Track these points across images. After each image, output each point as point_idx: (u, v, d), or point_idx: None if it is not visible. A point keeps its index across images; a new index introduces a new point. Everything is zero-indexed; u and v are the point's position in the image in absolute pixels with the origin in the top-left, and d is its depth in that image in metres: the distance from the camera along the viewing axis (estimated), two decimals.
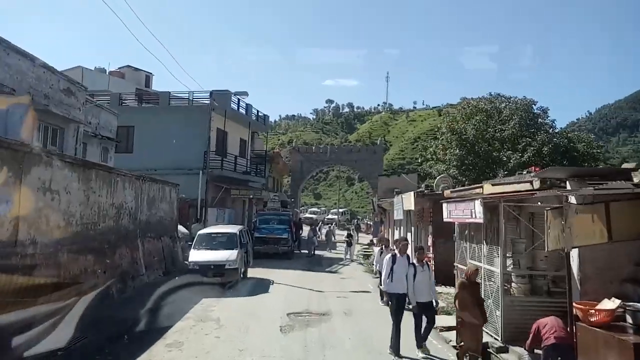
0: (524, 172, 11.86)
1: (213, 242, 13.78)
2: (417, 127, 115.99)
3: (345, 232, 26.51)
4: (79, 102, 13.50)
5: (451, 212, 10.58)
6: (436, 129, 36.86)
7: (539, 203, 7.94)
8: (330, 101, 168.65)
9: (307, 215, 54.64)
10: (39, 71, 11.67)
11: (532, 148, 29.36)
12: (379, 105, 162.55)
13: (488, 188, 9.41)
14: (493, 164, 31.71)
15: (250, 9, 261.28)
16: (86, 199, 9.97)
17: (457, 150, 31.41)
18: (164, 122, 23.88)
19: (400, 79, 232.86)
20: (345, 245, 22.83)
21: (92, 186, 10.32)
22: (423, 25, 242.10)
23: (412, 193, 15.24)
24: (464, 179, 29.85)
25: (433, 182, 33.74)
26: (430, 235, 14.98)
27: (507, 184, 9.07)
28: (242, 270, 14.04)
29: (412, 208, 15.02)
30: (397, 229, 25.30)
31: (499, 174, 30.22)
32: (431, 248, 14.57)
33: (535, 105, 32.46)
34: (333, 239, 26.84)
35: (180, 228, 19.46)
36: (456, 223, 10.59)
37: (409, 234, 20.78)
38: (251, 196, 25.82)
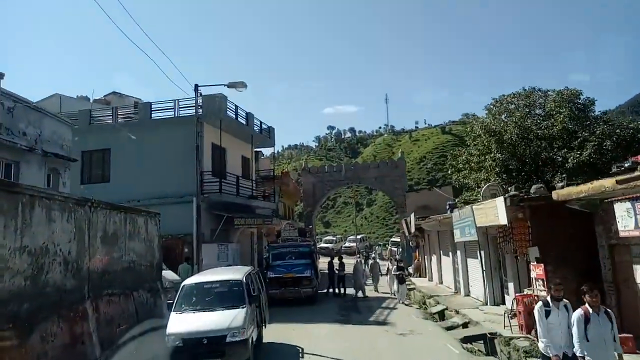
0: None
1: (206, 297, 8.78)
2: (422, 146, 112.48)
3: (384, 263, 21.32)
4: None
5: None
6: (465, 134, 31.94)
7: None
8: (331, 127, 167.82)
9: (323, 245, 49.47)
10: None
11: (591, 143, 24.49)
12: (380, 127, 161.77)
13: None
14: (543, 166, 26.82)
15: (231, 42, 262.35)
16: None
17: (498, 154, 26.51)
18: (147, 140, 19.20)
19: (399, 99, 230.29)
20: (392, 280, 17.63)
21: None
22: (420, 42, 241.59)
23: (500, 199, 10.24)
24: (509, 188, 24.99)
25: (472, 194, 28.84)
26: (534, 263, 9.91)
27: None
28: (255, 337, 8.98)
29: (503, 222, 10.04)
30: (444, 255, 20.18)
31: (555, 177, 25.33)
32: (542, 282, 9.49)
33: (582, 95, 27.67)
34: (380, 273, 21.63)
35: (168, 274, 14.48)
36: None
37: (472, 262, 15.73)
38: (260, 225, 20.81)
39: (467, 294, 16.30)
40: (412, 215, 22.07)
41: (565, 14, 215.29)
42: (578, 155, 24.10)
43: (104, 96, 38.12)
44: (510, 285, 12.00)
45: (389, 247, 46.53)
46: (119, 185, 19.14)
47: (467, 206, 12.59)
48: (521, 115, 27.69)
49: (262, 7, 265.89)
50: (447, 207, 17.29)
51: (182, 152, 18.93)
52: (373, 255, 30.82)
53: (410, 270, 26.11)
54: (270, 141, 24.56)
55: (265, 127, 24.07)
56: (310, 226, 28.98)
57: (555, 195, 9.45)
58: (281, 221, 23.40)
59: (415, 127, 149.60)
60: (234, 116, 20.19)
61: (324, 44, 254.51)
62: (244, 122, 21.37)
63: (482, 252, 13.91)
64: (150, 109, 19.57)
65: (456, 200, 31.07)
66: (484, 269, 13.87)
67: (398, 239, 48.09)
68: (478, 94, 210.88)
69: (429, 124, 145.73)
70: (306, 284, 16.73)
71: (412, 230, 22.50)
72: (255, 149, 25.95)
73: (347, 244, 52.17)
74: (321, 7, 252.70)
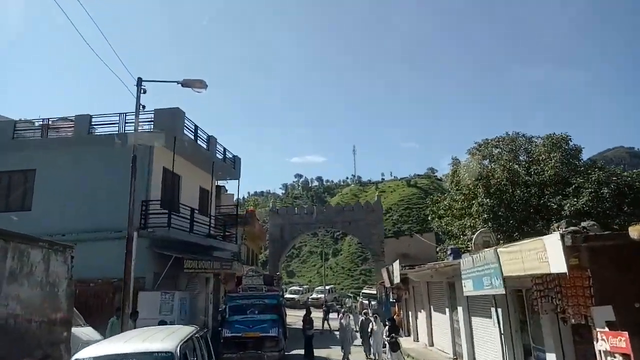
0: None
1: None
2: (388, 197, 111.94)
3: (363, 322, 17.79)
4: None
5: None
6: (445, 179, 29.77)
7: None
8: (299, 175, 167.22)
9: (288, 295, 45.42)
10: None
11: (588, 190, 22.62)
12: (347, 178, 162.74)
13: None
14: (535, 213, 24.67)
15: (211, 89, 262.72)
16: None
17: (486, 199, 24.24)
18: (82, 160, 15.73)
19: (366, 151, 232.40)
20: (384, 346, 14.14)
21: None
22: (390, 97, 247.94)
23: (553, 237, 7.38)
24: (498, 235, 22.58)
25: (457, 242, 26.16)
26: (603, 330, 6.98)
27: None
28: None
29: (558, 269, 7.14)
30: (437, 312, 17.06)
31: (550, 224, 23.10)
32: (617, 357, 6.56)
33: (571, 141, 26.15)
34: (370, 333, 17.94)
35: (83, 333, 10.72)
36: None
37: (480, 322, 12.68)
38: (217, 270, 17.14)
39: None
40: (397, 263, 19.03)
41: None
42: (574, 203, 22.12)
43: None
44: (550, 359, 8.98)
45: (360, 300, 42.94)
46: (43, 215, 15.44)
47: (488, 250, 9.73)
48: (508, 159, 25.88)
49: (231, 51, 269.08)
50: (449, 252, 14.37)
51: (125, 177, 15.54)
52: (358, 309, 27.31)
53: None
54: (235, 172, 21.33)
55: (230, 155, 20.93)
56: (278, 273, 25.32)
57: (635, 232, 6.72)
58: (243, 266, 19.79)
59: (382, 178, 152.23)
60: (193, 137, 17.03)
61: (295, 94, 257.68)
62: (205, 147, 18.19)
63: (500, 310, 10.94)
64: (90, 123, 16.17)
65: (438, 249, 28.36)
66: (502, 332, 10.85)
67: (371, 291, 44.63)
68: (445, 149, 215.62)
69: (394, 176, 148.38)
70: (271, 346, 13.16)
71: (396, 280, 19.38)
72: (218, 182, 22.67)
73: (314, 295, 48.18)
74: (292, 54, 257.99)
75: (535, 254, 7.73)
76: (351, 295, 53.00)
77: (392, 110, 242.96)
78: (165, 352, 5.26)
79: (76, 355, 5.29)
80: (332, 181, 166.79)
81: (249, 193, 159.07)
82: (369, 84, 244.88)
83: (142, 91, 11.06)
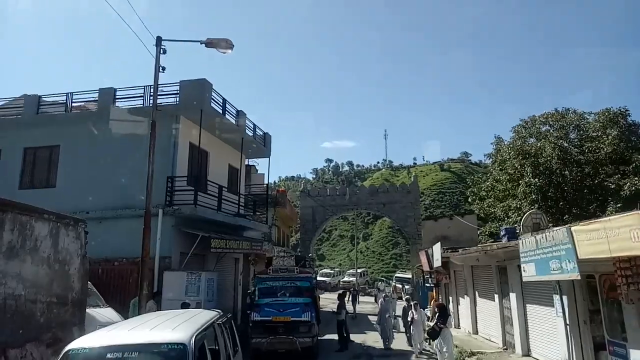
0: None
1: None
2: (420, 181, 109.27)
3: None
4: None
5: None
6: (491, 157, 27.89)
7: None
8: (329, 160, 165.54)
9: (319, 278, 44.79)
10: None
11: None
12: (378, 162, 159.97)
13: None
14: (589, 194, 22.69)
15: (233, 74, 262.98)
16: None
17: (535, 179, 22.40)
18: (106, 135, 15.01)
19: (398, 136, 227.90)
20: (428, 335, 12.71)
21: None
22: (424, 77, 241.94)
23: None
24: (547, 218, 20.80)
25: (501, 225, 24.48)
26: None
27: None
28: None
29: None
30: (483, 298, 15.71)
31: (606, 206, 21.16)
32: None
33: (629, 116, 23.78)
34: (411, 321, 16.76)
35: (102, 314, 10.01)
36: None
37: (538, 310, 11.28)
38: (247, 250, 16.27)
39: (527, 354, 11.79)
40: (438, 246, 17.70)
41: (568, 57, 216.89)
42: (635, 182, 20.08)
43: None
44: (636, 356, 7.58)
45: (393, 284, 41.80)
46: (67, 192, 14.86)
47: (558, 229, 8.33)
48: (558, 135, 23.85)
49: (268, 37, 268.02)
50: (502, 233, 12.92)
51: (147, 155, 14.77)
52: (400, 294, 26.15)
53: (428, 313, 21.42)
54: (266, 150, 20.31)
55: (260, 132, 19.90)
56: (310, 254, 24.39)
57: None
58: (274, 248, 18.87)
59: (414, 163, 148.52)
60: (221, 111, 16.05)
61: (328, 79, 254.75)
62: (234, 122, 17.20)
63: (565, 298, 9.54)
64: (114, 97, 15.41)
65: (479, 232, 26.72)
66: (568, 322, 9.45)
67: (405, 275, 43.35)
68: (477, 135, 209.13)
69: (427, 161, 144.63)
70: (304, 332, 12.16)
71: (436, 264, 18.08)
72: (248, 160, 21.76)
73: (345, 278, 47.38)
74: (325, 42, 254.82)
75: (628, 232, 6.30)
76: (383, 279, 51.88)
77: (424, 94, 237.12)
78: (177, 344, 4.24)
79: (70, 345, 4.33)
80: (363, 166, 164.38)
81: (279, 177, 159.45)
82: (400, 68, 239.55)
83: (161, 51, 10.05)
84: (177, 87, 14.93)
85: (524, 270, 9.78)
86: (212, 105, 15.47)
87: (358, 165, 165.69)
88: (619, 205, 19.57)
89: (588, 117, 25.35)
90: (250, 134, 18.63)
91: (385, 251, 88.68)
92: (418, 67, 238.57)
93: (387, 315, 14.91)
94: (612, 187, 20.61)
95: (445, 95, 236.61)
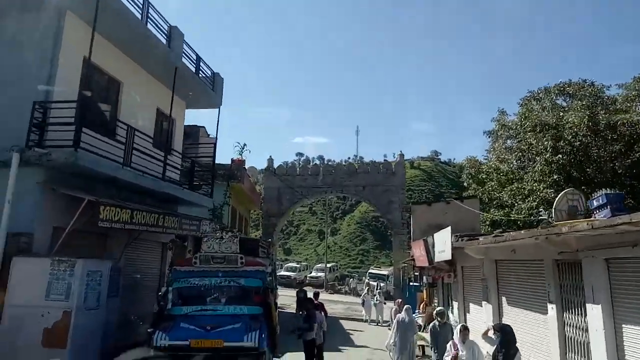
0: None
1: None
2: None
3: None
4: None
5: None
6: (491, 135, 23.34)
7: None
8: (300, 154, 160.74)
9: (283, 272, 39.57)
10: None
11: None
12: (349, 158, 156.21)
13: None
14: (624, 175, 18.39)
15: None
16: None
17: (558, 156, 17.92)
18: None
19: (369, 133, 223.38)
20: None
21: None
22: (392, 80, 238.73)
23: None
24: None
25: (509, 212, 19.81)
26: None
27: None
28: None
29: None
30: (513, 306, 10.90)
31: None
32: None
33: None
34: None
35: None
36: None
37: None
38: (169, 230, 10.80)
39: None
40: (448, 233, 12.89)
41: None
42: None
43: None
44: None
45: (367, 281, 37.00)
46: None
47: None
48: (586, 104, 19.41)
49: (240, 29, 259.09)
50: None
51: (23, 65, 9.26)
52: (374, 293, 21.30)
53: (420, 321, 16.49)
54: (215, 97, 14.80)
55: (208, 71, 14.39)
56: (270, 240, 19.06)
57: None
58: (209, 223, 13.34)
59: (384, 160, 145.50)
60: (140, 16, 10.52)
61: (303, 75, 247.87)
62: (165, 41, 11.68)
63: None
64: None
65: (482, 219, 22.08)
66: None
67: (381, 271, 38.58)
68: (446, 135, 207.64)
69: (396, 158, 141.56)
70: None
71: (444, 257, 13.23)
72: (186, 97, 16.00)
73: (313, 274, 42.40)
74: (299, 29, 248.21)
75: None
76: (354, 275, 47.22)
77: (396, 93, 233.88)
78: None
79: None
80: (334, 161, 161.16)
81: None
82: (375, 66, 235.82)
83: None
84: None
85: None
86: (125, 0, 9.94)
87: (329, 160, 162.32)
88: None
89: (607, 91, 21.20)
90: (191, 68, 13.13)
91: (352, 247, 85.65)
92: (393, 65, 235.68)
93: (412, 335, 10.24)
94: None
95: (417, 95, 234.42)
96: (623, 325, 7.18)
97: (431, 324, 9.35)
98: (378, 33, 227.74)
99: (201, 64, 13.65)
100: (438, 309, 9.36)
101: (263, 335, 7.24)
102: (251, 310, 7.77)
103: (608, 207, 7.02)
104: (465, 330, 7.50)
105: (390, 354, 11.10)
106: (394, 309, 12.52)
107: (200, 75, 13.94)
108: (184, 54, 12.56)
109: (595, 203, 7.43)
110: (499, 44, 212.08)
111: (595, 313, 7.58)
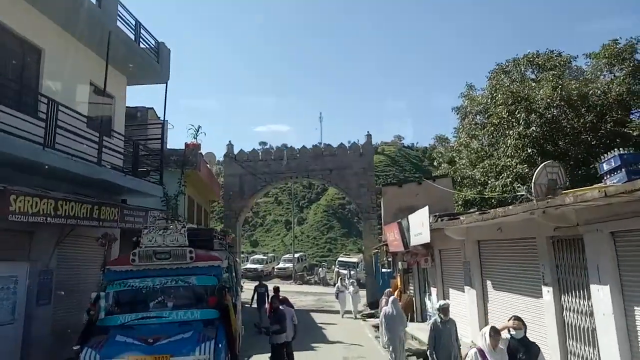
0: None
1: None
2: None
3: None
4: None
5: None
6: (459, 111, 22.61)
7: None
8: (263, 143, 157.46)
9: (249, 265, 38.24)
10: None
11: None
12: (313, 145, 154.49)
13: None
14: (596, 146, 17.98)
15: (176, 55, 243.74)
16: None
17: (531, 128, 17.29)
18: None
19: (332, 120, 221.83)
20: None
21: None
22: (355, 64, 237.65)
23: None
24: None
25: (481, 190, 19.10)
26: None
27: None
28: None
29: None
30: (501, 290, 9.99)
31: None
32: None
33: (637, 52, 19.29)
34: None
35: None
36: None
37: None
38: (108, 224, 9.16)
39: None
40: (425, 213, 11.88)
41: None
42: None
43: None
44: None
45: (336, 269, 36.19)
46: None
47: None
48: (557, 74, 18.83)
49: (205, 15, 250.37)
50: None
51: None
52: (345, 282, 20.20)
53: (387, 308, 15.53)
54: (160, 70, 13.10)
55: (152, 40, 12.66)
56: (233, 235, 17.55)
57: None
58: (156, 214, 11.70)
59: (349, 145, 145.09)
60: None
61: (257, 61, 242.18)
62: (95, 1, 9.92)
63: None
64: None
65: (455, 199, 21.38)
66: None
67: (350, 259, 37.77)
68: (410, 118, 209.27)
69: (361, 144, 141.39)
70: None
71: (423, 240, 12.23)
72: (126, 68, 14.18)
73: (281, 265, 41.18)
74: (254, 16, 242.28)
75: None
76: (324, 264, 46.35)
77: (360, 77, 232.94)
78: None
79: None
80: (298, 149, 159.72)
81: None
82: (331, 50, 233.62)
83: None
84: None
85: None
86: None
87: (293, 148, 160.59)
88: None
89: (575, 61, 20.80)
90: (130, 32, 11.37)
91: (320, 235, 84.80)
92: (354, 49, 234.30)
93: (402, 330, 9.19)
94: (636, 134, 15.92)
95: (381, 79, 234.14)
96: (635, 308, 6.30)
97: (431, 321, 8.04)
98: (338, 15, 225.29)
99: (142, 31, 11.90)
100: (441, 302, 8.01)
101: (220, 345, 5.91)
102: (205, 315, 6.41)
103: (623, 169, 5.99)
104: (496, 334, 5.64)
105: (391, 354, 10.04)
106: (383, 299, 11.40)
107: (142, 46, 12.20)
108: (119, 19, 10.81)
109: (605, 167, 6.41)
110: (466, 20, 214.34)
111: (601, 295, 6.68)
